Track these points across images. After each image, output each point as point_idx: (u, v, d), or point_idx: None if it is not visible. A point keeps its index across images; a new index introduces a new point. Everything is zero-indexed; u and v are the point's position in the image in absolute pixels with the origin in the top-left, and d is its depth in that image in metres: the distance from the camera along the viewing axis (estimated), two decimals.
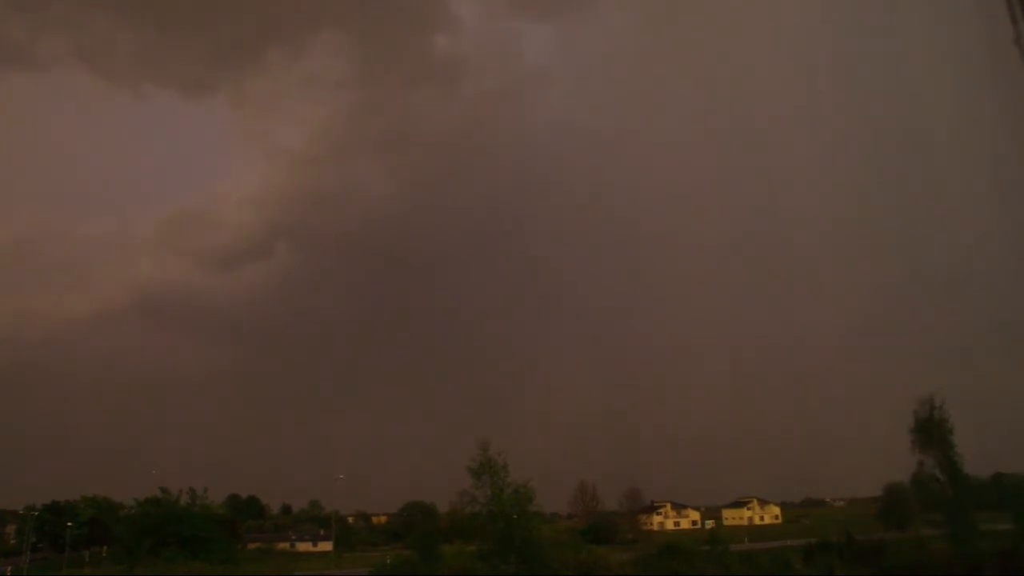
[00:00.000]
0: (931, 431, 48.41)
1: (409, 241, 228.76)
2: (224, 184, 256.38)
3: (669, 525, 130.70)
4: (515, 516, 48.36)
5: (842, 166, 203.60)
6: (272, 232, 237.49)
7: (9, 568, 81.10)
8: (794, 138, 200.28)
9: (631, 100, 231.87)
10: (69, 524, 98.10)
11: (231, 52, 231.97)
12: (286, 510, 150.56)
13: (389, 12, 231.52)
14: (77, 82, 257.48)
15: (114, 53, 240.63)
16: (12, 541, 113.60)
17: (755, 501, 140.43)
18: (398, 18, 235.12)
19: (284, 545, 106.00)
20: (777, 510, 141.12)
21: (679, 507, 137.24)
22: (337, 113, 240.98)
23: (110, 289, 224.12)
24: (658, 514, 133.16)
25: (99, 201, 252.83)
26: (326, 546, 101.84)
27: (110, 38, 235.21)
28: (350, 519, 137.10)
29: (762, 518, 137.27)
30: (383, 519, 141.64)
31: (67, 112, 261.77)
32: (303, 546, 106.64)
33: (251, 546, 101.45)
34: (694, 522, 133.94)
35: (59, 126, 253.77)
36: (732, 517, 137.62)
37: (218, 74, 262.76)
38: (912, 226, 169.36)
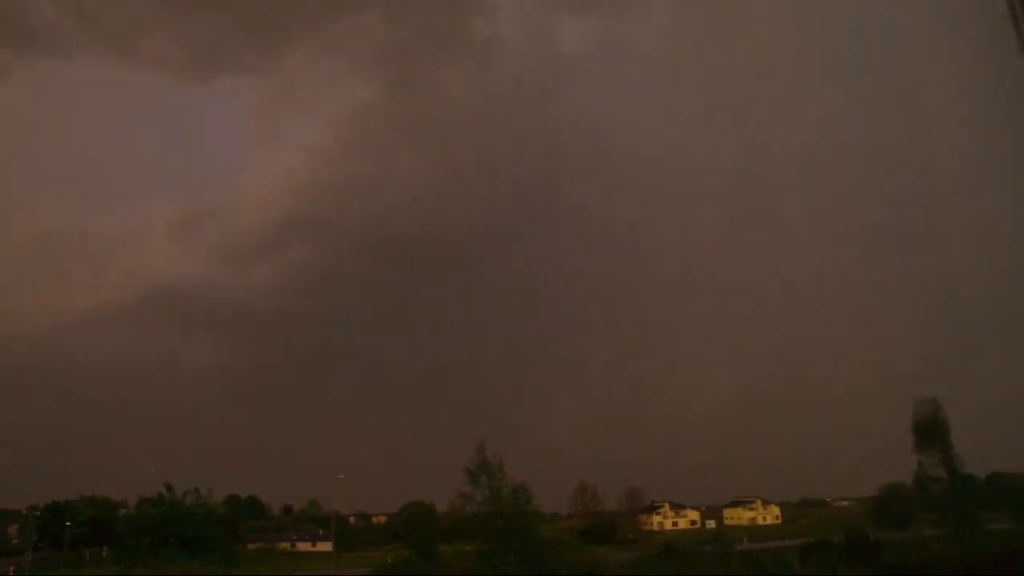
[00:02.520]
0: (932, 431, 48.57)
1: (420, 235, 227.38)
2: (240, 178, 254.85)
3: (668, 525, 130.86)
4: (513, 516, 48.50)
5: (843, 169, 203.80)
6: (284, 227, 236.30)
7: (11, 568, 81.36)
8: (797, 140, 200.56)
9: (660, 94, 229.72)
10: (69, 524, 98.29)
11: (260, 37, 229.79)
12: (286, 510, 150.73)
13: None
14: (99, 68, 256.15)
15: (139, 36, 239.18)
16: (14, 541, 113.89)
17: (757, 501, 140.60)
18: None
19: (285, 545, 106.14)
20: (777, 510, 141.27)
21: (677, 507, 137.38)
22: (363, 99, 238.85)
23: (117, 284, 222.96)
24: (658, 514, 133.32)
25: (120, 193, 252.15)
26: (326, 546, 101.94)
27: (134, 19, 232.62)
28: (350, 519, 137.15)
29: (764, 518, 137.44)
30: (383, 519, 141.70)
31: (92, 100, 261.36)
32: (303, 546, 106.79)
33: (251, 546, 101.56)
34: (693, 522, 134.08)
35: (86, 113, 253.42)
36: (732, 517, 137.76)
37: (247, 61, 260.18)
38: (911, 226, 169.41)
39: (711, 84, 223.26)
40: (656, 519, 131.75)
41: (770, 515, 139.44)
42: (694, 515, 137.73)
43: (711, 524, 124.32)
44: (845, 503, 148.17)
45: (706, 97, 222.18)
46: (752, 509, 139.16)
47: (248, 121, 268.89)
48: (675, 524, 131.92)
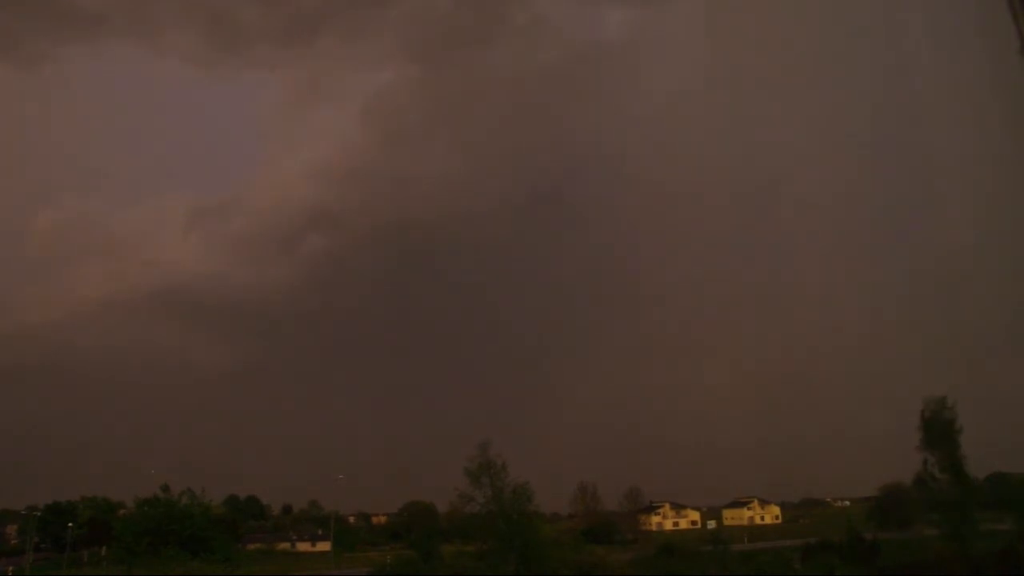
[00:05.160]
0: (938, 430, 48.53)
1: (425, 228, 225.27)
2: (257, 172, 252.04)
3: (668, 525, 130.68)
4: (515, 516, 48.45)
5: (843, 168, 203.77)
6: (299, 222, 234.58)
7: (11, 568, 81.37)
8: (797, 139, 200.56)
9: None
10: (69, 524, 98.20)
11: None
12: (286, 510, 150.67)
13: None
14: (125, 55, 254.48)
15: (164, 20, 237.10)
16: (14, 541, 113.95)
17: (755, 501, 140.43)
18: None
19: (285, 545, 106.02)
20: (777, 510, 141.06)
21: (678, 507, 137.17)
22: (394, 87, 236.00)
23: (122, 281, 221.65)
24: (656, 514, 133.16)
25: (139, 185, 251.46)
26: (325, 546, 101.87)
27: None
28: (350, 519, 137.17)
29: (762, 518, 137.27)
30: (383, 519, 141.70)
31: (118, 89, 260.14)
32: (303, 546, 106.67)
33: (251, 546, 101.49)
34: (693, 522, 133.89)
35: (114, 102, 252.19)
36: (732, 517, 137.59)
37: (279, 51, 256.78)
38: (912, 226, 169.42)
39: (714, 85, 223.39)
40: (656, 519, 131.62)
41: (769, 515, 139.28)
42: (695, 515, 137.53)
43: (711, 524, 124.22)
44: (845, 503, 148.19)
45: (707, 98, 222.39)
46: (751, 509, 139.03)
47: (274, 108, 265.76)
48: (676, 524, 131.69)
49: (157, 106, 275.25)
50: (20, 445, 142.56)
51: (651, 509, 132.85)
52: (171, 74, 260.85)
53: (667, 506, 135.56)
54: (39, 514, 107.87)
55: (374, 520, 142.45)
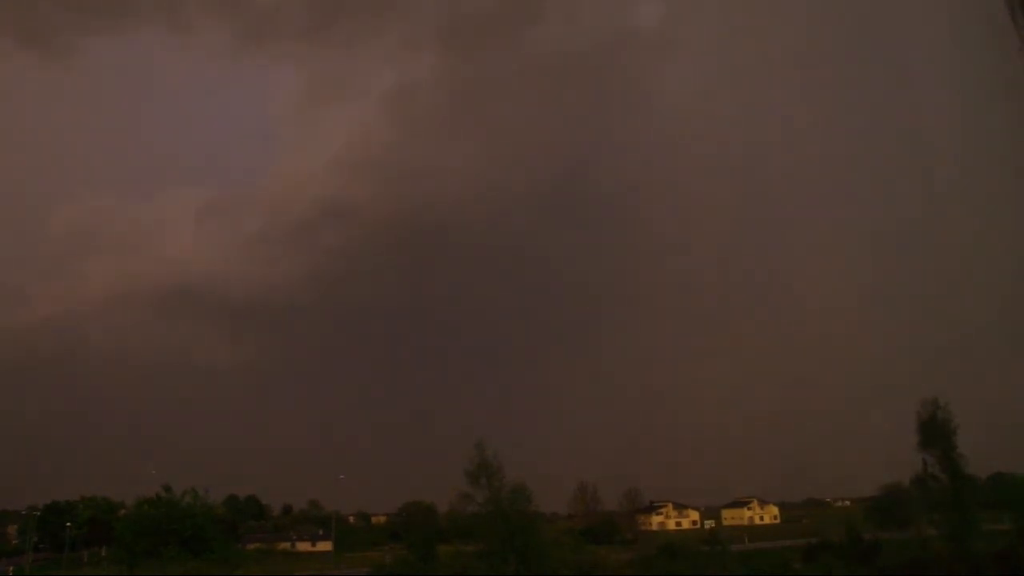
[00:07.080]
0: (934, 431, 48.56)
1: (433, 228, 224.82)
2: (265, 170, 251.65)
3: (671, 525, 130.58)
4: (514, 516, 48.34)
5: (844, 169, 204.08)
6: (307, 217, 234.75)
7: (11, 568, 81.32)
8: (797, 141, 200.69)
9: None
10: (68, 524, 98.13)
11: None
12: (286, 510, 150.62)
13: None
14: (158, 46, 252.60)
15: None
16: (15, 541, 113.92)
17: (755, 501, 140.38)
18: None
19: (285, 545, 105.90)
20: (776, 510, 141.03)
21: (680, 507, 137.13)
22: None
23: (126, 278, 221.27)
24: (659, 514, 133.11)
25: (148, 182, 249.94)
26: (325, 546, 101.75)
27: None
28: (350, 519, 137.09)
29: (761, 518, 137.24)
30: (383, 519, 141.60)
31: (142, 82, 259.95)
32: (303, 546, 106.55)
33: (251, 546, 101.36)
34: (694, 522, 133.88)
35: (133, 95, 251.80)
36: (732, 517, 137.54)
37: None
38: (912, 227, 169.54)
39: (715, 88, 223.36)
40: (657, 519, 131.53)
41: (768, 515, 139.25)
42: (696, 515, 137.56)
43: (710, 524, 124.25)
44: (845, 503, 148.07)
45: (708, 100, 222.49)
46: (751, 509, 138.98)
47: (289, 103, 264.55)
48: (679, 524, 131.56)
49: (175, 98, 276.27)
50: (20, 445, 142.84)
51: (651, 509, 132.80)
52: (193, 65, 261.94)
53: (670, 506, 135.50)
54: (39, 514, 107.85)
55: (373, 520, 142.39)
